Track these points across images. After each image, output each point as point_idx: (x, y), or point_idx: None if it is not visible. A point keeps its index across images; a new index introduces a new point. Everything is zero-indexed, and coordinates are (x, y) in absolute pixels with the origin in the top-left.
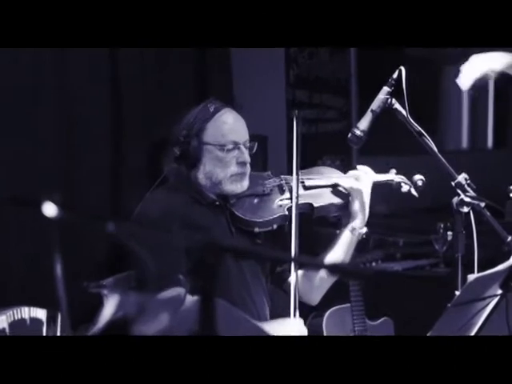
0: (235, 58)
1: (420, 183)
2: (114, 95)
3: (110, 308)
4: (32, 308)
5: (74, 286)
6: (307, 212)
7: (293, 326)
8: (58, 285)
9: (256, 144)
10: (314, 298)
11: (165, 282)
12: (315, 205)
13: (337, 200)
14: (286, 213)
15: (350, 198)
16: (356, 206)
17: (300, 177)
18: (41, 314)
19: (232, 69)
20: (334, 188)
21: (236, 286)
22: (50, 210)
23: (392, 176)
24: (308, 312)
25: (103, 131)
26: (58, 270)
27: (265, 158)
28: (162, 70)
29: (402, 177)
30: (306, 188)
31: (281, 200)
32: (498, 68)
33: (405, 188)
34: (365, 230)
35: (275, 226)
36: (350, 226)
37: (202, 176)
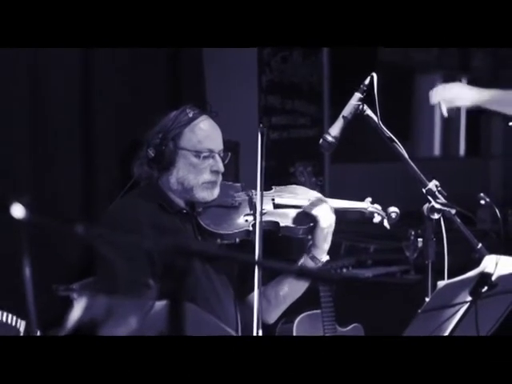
0: (207, 62)
1: (394, 215)
2: (85, 96)
3: (77, 311)
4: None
5: (43, 289)
6: (272, 230)
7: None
8: (26, 288)
9: (230, 155)
10: (271, 317)
11: (134, 286)
12: (281, 224)
13: (304, 223)
14: (251, 228)
15: (316, 226)
16: (320, 235)
17: (272, 193)
18: (8, 317)
19: (204, 73)
20: (303, 211)
21: (204, 293)
22: (18, 212)
23: (366, 205)
24: (278, 318)
25: (74, 132)
26: (27, 272)
27: (236, 164)
28: (133, 71)
29: (377, 207)
30: (275, 206)
31: (247, 215)
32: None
33: (377, 219)
34: (326, 258)
35: (238, 240)
36: (311, 254)
37: (174, 180)
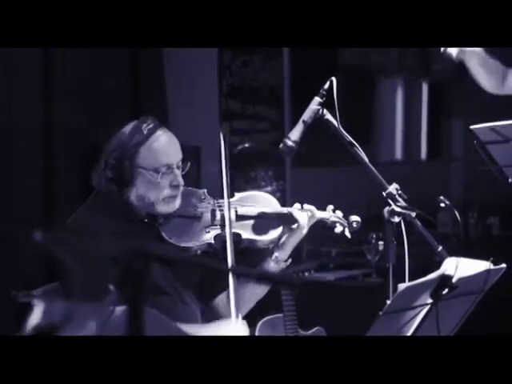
0: (168, 66)
1: (355, 225)
2: (44, 98)
3: (36, 316)
4: None
5: (2, 295)
6: (234, 242)
7: (234, 327)
8: None
9: (189, 164)
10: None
11: (93, 291)
12: (243, 236)
13: (267, 234)
14: (212, 241)
15: (286, 232)
16: (289, 240)
17: (234, 202)
18: None
19: (165, 78)
20: (269, 221)
21: (165, 297)
22: None
23: (328, 214)
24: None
25: (34, 137)
26: None
27: (198, 169)
28: (94, 73)
29: (339, 216)
30: (238, 217)
31: (210, 227)
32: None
33: (339, 228)
34: (290, 261)
35: (199, 252)
36: (274, 256)
37: (133, 197)
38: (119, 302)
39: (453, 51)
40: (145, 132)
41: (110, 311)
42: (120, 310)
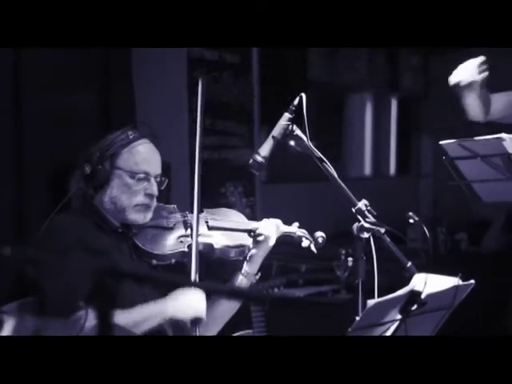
0: (137, 81)
1: (320, 240)
2: (12, 104)
3: (5, 333)
4: None
5: None
6: (207, 252)
7: (193, 296)
8: None
9: (167, 181)
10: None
11: (64, 307)
12: (215, 246)
13: (237, 244)
14: (186, 249)
15: (253, 244)
16: (257, 252)
17: (205, 216)
18: None
19: (134, 93)
20: (238, 232)
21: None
22: None
23: (294, 229)
24: None
25: (3, 148)
26: None
27: (168, 186)
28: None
29: (304, 231)
30: (209, 228)
31: (182, 236)
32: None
33: (305, 243)
34: (259, 274)
35: (173, 261)
36: (243, 270)
37: (107, 199)
38: (89, 318)
39: (455, 82)
40: (130, 137)
41: (80, 327)
42: (90, 325)
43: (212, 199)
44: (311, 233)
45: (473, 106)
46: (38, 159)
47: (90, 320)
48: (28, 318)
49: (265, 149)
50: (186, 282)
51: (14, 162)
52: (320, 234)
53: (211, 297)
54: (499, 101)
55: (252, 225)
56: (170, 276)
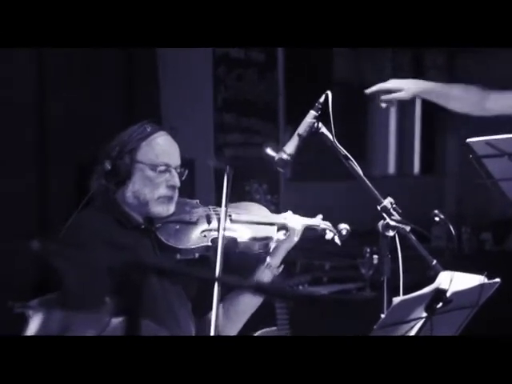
0: (163, 79)
1: (344, 232)
2: (37, 102)
3: (33, 328)
4: None
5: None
6: (230, 246)
7: None
8: None
9: (187, 171)
10: (230, 333)
11: (90, 302)
12: (239, 240)
13: (261, 237)
14: (210, 244)
15: (277, 237)
16: (281, 245)
17: (228, 210)
18: None
19: (160, 91)
20: (261, 225)
21: (161, 309)
22: None
23: (318, 221)
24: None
25: (28, 143)
26: None
27: (192, 182)
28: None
29: (328, 223)
30: (232, 222)
31: (206, 230)
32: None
33: (329, 235)
34: (282, 267)
35: (197, 255)
36: (267, 263)
37: (129, 194)
38: (116, 313)
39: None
40: (148, 130)
41: (106, 322)
42: (116, 321)
43: (236, 196)
44: (334, 226)
45: (444, 103)
46: (63, 156)
47: (115, 315)
48: (54, 313)
49: (290, 146)
50: (211, 276)
51: (39, 158)
52: (344, 226)
53: (234, 292)
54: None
55: (275, 218)
56: (194, 270)
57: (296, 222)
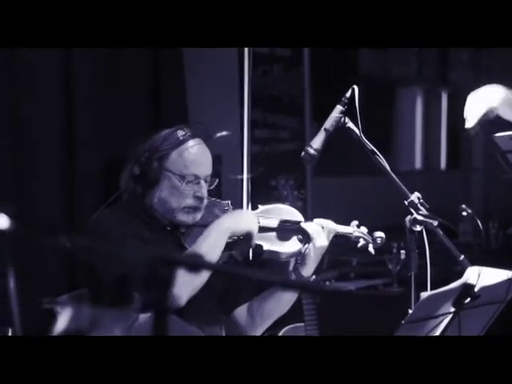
0: (189, 76)
1: (379, 241)
2: (65, 100)
3: (62, 323)
4: None
5: (28, 300)
6: (256, 253)
7: (245, 213)
8: (11, 300)
9: (217, 181)
10: (256, 333)
11: (118, 297)
12: (265, 247)
13: (289, 246)
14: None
15: (307, 246)
16: (311, 254)
17: (257, 214)
18: None
19: (186, 88)
20: (291, 233)
21: (189, 305)
22: (2, 222)
23: (352, 229)
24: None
25: (56, 139)
26: (12, 284)
27: (219, 178)
28: (115, 75)
29: (363, 231)
30: (260, 228)
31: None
32: (496, 104)
33: (362, 243)
34: (313, 277)
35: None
36: (297, 271)
37: (156, 201)
38: (144, 308)
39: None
40: (180, 138)
41: (134, 318)
42: (144, 316)
43: (263, 192)
44: (369, 232)
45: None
46: (92, 152)
47: (144, 310)
48: (83, 309)
49: (317, 141)
50: (240, 272)
51: (68, 155)
52: (379, 235)
53: (261, 293)
54: None
55: (303, 225)
56: (222, 265)
57: (321, 230)
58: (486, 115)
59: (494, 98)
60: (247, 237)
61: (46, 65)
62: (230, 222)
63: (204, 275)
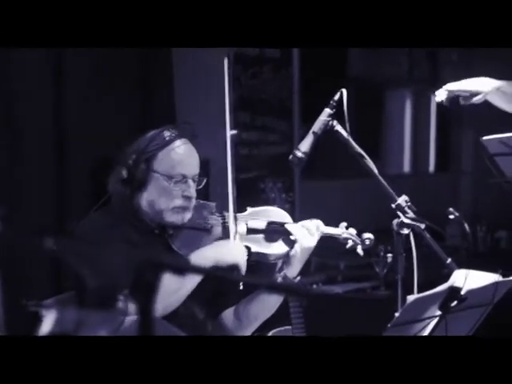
0: (177, 76)
1: (368, 242)
2: (57, 100)
3: (47, 325)
4: None
5: (13, 303)
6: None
7: (232, 244)
8: None
9: (205, 180)
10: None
11: (104, 301)
12: (252, 249)
13: (277, 248)
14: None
15: (295, 247)
16: (298, 256)
17: (245, 216)
18: None
19: (174, 89)
20: (279, 235)
21: (176, 308)
22: None
23: (341, 231)
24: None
25: (45, 142)
26: None
27: (207, 181)
28: (103, 76)
29: (351, 232)
30: (248, 230)
31: (219, 239)
32: (487, 90)
33: (350, 245)
34: (298, 278)
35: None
36: (283, 273)
37: (144, 203)
38: (130, 311)
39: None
40: (166, 138)
41: (120, 321)
42: (130, 319)
43: (251, 195)
44: (358, 234)
45: (501, 103)
46: (80, 154)
47: (130, 313)
48: (69, 312)
49: (305, 144)
50: (227, 275)
51: (56, 157)
52: (367, 236)
53: (248, 297)
54: None
55: (290, 227)
56: (209, 269)
57: (308, 231)
58: (473, 95)
59: (488, 84)
60: (233, 268)
61: (34, 65)
62: (215, 252)
63: (192, 282)
